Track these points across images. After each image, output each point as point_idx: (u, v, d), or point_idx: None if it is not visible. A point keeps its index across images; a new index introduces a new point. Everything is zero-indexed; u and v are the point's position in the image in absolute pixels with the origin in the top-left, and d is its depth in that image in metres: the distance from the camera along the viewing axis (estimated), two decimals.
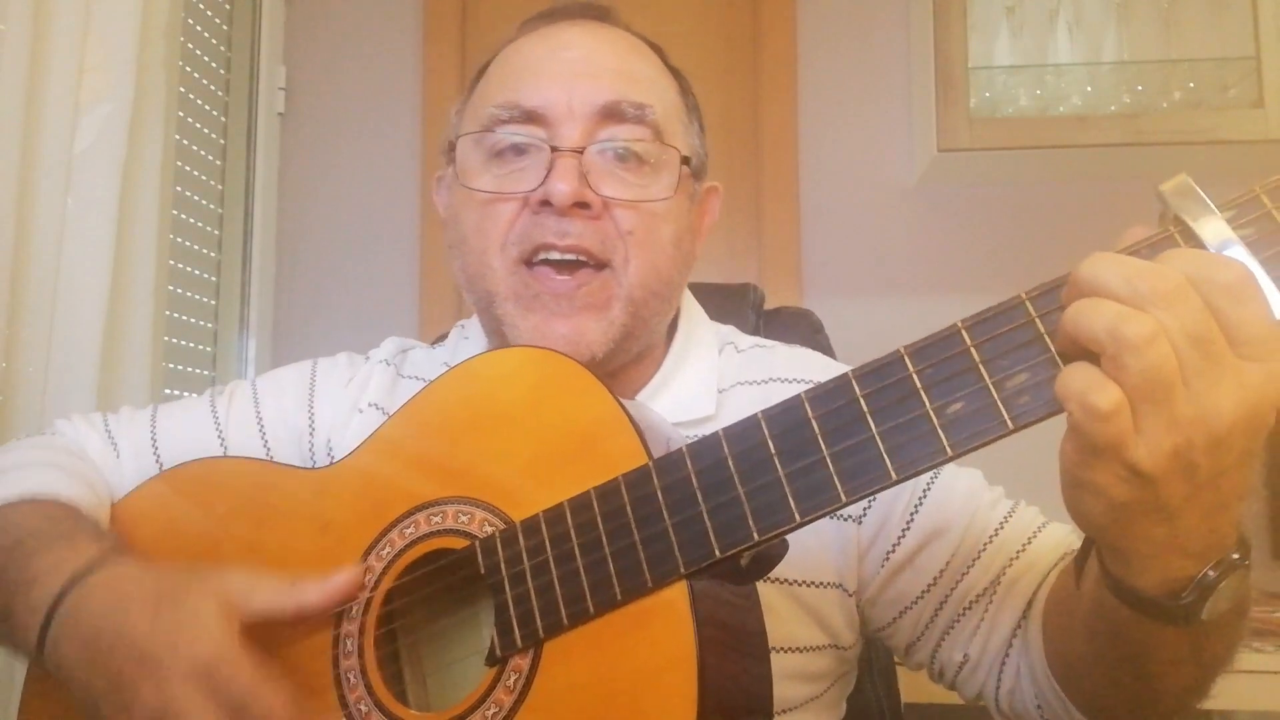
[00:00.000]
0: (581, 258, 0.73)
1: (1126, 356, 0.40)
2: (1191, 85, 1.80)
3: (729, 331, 0.89)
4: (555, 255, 0.73)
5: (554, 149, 0.72)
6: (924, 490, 0.74)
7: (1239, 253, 0.43)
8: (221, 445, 0.84)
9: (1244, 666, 1.30)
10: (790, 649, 0.73)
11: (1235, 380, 0.41)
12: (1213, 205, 0.44)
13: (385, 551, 0.65)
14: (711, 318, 0.89)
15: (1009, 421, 0.45)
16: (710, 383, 0.81)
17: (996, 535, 0.72)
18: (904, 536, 0.73)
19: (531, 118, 0.73)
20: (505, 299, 0.74)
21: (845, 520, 0.74)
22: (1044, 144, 1.77)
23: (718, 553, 0.52)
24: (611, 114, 0.73)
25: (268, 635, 0.62)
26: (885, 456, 0.48)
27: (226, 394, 0.88)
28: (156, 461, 0.83)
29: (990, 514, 0.73)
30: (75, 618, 0.62)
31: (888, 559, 0.74)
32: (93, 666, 0.59)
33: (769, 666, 0.57)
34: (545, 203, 0.71)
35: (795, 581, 0.73)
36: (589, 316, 0.73)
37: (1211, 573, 0.47)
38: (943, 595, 0.72)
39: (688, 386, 0.80)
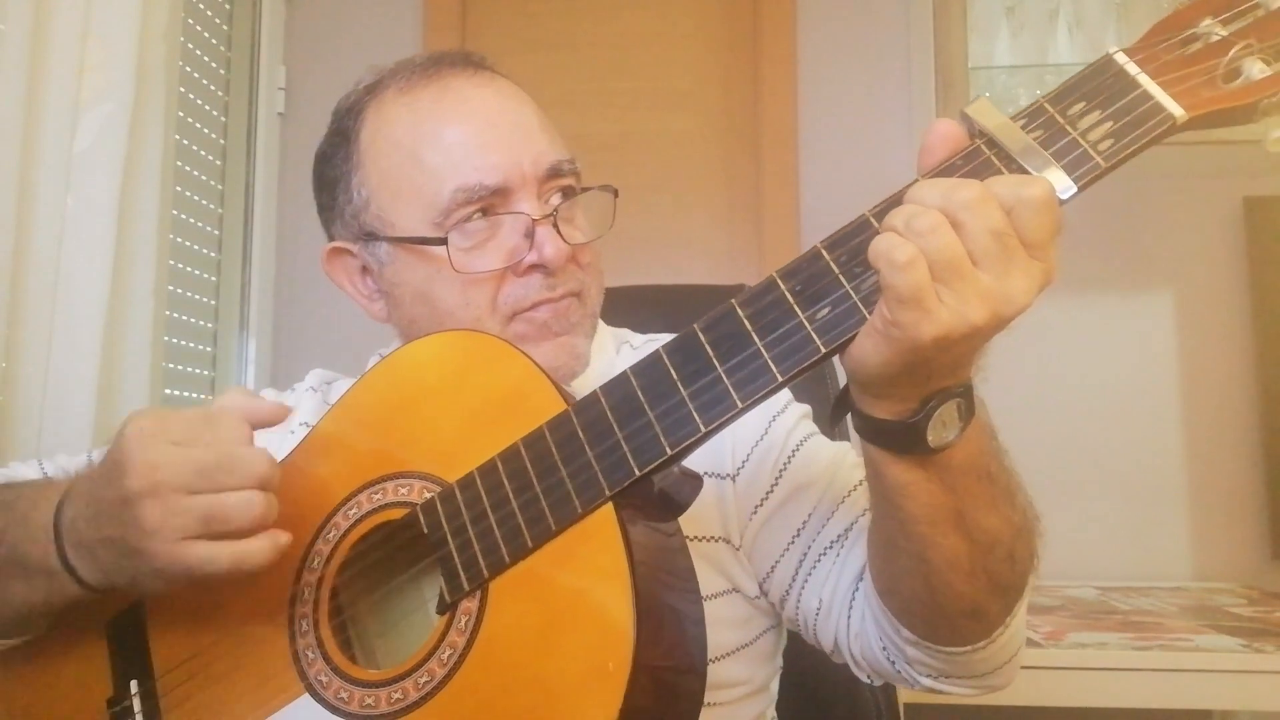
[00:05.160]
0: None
1: (915, 239, 0.51)
2: None
3: (623, 332, 0.96)
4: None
5: (534, 220, 0.79)
6: (793, 450, 0.81)
7: (1036, 154, 0.53)
8: None
9: (1244, 667, 1.30)
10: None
11: (1024, 270, 0.52)
12: (1006, 117, 0.55)
13: (331, 535, 0.68)
14: None
15: (866, 314, 0.53)
16: None
17: (856, 490, 0.78)
18: (772, 490, 0.80)
19: (495, 193, 0.79)
20: None
21: (722, 478, 0.80)
22: None
23: (637, 471, 0.57)
24: (554, 173, 0.82)
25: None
26: (771, 364, 0.55)
27: None
28: None
29: (852, 473, 0.80)
30: (73, 516, 0.64)
31: (756, 511, 0.80)
32: (98, 521, 0.62)
33: (699, 597, 0.62)
34: (536, 266, 0.80)
35: (688, 536, 0.76)
36: (578, 335, 0.83)
37: (934, 401, 0.56)
38: (805, 546, 0.78)
39: (590, 387, 0.82)
